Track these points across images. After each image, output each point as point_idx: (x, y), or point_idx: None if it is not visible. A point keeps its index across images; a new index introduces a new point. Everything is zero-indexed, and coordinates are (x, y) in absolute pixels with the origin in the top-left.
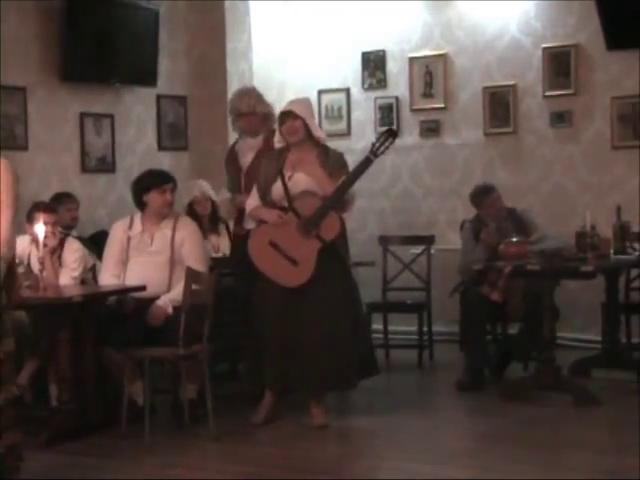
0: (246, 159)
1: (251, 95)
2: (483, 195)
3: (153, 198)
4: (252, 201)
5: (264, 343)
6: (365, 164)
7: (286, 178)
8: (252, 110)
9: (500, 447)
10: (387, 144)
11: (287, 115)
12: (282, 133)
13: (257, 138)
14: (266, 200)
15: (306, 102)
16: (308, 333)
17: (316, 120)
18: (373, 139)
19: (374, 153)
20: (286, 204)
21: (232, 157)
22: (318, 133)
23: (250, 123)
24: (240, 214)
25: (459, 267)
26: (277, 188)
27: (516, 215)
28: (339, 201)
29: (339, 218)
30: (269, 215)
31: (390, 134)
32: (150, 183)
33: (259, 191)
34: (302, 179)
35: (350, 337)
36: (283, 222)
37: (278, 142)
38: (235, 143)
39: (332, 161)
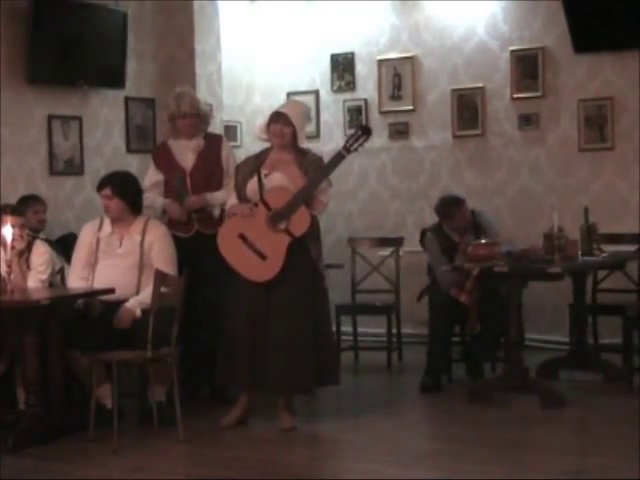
0: (186, 161)
1: (192, 96)
2: (454, 207)
3: None
4: (232, 200)
5: (235, 343)
6: (337, 159)
7: (262, 175)
8: (196, 111)
9: (468, 448)
10: (361, 141)
11: (280, 117)
12: (269, 131)
13: (195, 139)
14: (241, 197)
15: (303, 110)
16: (270, 335)
17: (307, 128)
18: (342, 142)
19: (347, 149)
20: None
21: (167, 157)
22: (303, 144)
23: (193, 124)
24: (189, 216)
25: (439, 282)
26: (252, 184)
27: (475, 219)
28: (309, 195)
29: (311, 216)
30: (239, 208)
31: (364, 131)
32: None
33: (236, 190)
34: (278, 178)
35: (310, 342)
36: (253, 214)
37: (259, 136)
38: (164, 145)
39: (309, 162)
